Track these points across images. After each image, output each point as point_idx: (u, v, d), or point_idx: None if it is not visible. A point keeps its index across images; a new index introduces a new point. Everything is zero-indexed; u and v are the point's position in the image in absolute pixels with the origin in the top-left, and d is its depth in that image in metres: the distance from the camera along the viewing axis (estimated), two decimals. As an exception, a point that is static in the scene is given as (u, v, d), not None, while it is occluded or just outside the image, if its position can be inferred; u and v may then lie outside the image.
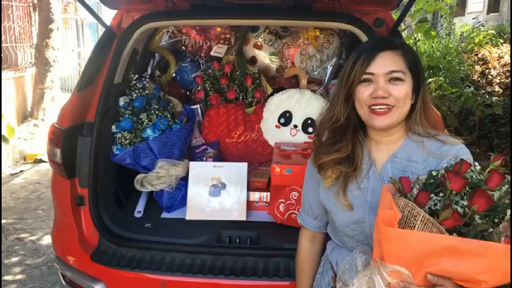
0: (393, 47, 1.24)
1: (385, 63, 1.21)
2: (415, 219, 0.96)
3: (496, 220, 0.93)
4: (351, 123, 1.31)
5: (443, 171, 1.03)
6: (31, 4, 7.26)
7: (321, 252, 1.52)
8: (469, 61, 5.82)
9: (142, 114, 2.35)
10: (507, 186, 0.98)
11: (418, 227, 0.95)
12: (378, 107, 1.22)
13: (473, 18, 9.68)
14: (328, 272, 1.42)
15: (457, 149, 1.24)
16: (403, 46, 1.27)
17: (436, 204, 0.98)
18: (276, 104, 2.68)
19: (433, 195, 0.99)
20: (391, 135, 1.29)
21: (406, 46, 1.30)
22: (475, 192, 0.94)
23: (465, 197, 0.97)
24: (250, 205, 2.36)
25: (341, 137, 1.31)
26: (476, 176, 1.01)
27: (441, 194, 0.99)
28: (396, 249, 0.98)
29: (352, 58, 1.26)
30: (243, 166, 2.40)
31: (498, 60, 5.72)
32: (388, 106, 1.21)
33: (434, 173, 1.05)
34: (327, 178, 1.31)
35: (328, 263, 1.44)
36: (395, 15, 3.32)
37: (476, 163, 1.06)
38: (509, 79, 5.37)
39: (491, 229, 0.92)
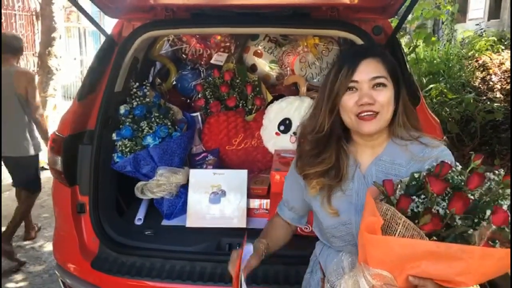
0: (373, 54, 1.28)
1: (368, 70, 1.24)
2: (396, 224, 1.00)
3: (475, 220, 0.96)
4: (334, 132, 1.32)
5: (425, 173, 1.07)
6: (34, 13, 7.33)
7: (288, 237, 1.54)
8: (470, 68, 5.81)
9: (143, 122, 2.37)
10: (488, 184, 1.01)
11: (400, 232, 0.99)
12: (365, 113, 1.24)
13: (476, 24, 9.68)
14: (318, 272, 1.44)
15: (439, 151, 1.27)
16: (381, 53, 1.31)
17: (418, 206, 1.01)
18: (276, 111, 2.69)
19: (415, 197, 1.03)
20: (376, 139, 1.31)
21: (384, 53, 1.33)
22: (453, 195, 0.97)
23: (446, 198, 1.00)
24: (250, 212, 2.36)
25: (324, 147, 1.32)
26: (457, 177, 1.03)
27: (423, 196, 1.02)
28: (380, 254, 1.02)
29: (334, 69, 1.29)
30: (243, 173, 2.41)
31: (499, 66, 5.71)
32: (374, 113, 1.24)
33: (416, 175, 1.08)
34: (312, 188, 1.34)
35: (317, 263, 1.46)
36: (393, 22, 3.34)
37: (457, 163, 1.09)
38: (510, 85, 5.37)
39: (471, 230, 0.95)
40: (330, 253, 1.40)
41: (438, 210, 0.98)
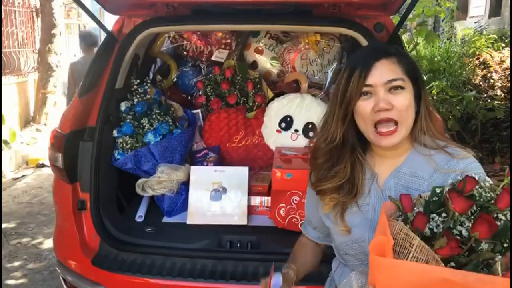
0: (388, 55, 1.16)
1: (382, 73, 1.13)
2: (410, 246, 0.89)
3: (505, 245, 0.85)
4: (348, 142, 1.22)
5: (448, 188, 0.96)
6: (34, 10, 7.31)
7: (318, 257, 1.46)
8: (471, 65, 5.81)
9: (143, 119, 2.36)
10: None
11: (413, 255, 0.88)
12: (385, 129, 1.14)
13: (475, 22, 9.67)
14: None
15: (465, 164, 1.15)
16: (397, 52, 1.20)
17: (439, 226, 0.90)
18: (277, 108, 2.68)
19: (435, 215, 0.92)
20: (396, 149, 1.20)
21: (400, 52, 1.22)
22: (478, 217, 0.86)
23: (472, 217, 0.88)
24: (251, 209, 2.36)
25: (338, 159, 1.23)
26: (486, 193, 0.92)
27: (444, 215, 0.91)
28: (387, 279, 0.92)
29: (345, 73, 1.18)
30: (244, 171, 2.40)
31: (499, 64, 5.70)
32: (394, 122, 1.14)
33: (438, 190, 0.96)
34: (326, 205, 1.25)
35: (333, 281, 1.39)
36: (395, 19, 3.33)
37: (488, 178, 0.97)
38: (510, 83, 5.36)
39: (499, 257, 0.83)
40: (344, 271, 1.32)
41: (461, 231, 0.87)
